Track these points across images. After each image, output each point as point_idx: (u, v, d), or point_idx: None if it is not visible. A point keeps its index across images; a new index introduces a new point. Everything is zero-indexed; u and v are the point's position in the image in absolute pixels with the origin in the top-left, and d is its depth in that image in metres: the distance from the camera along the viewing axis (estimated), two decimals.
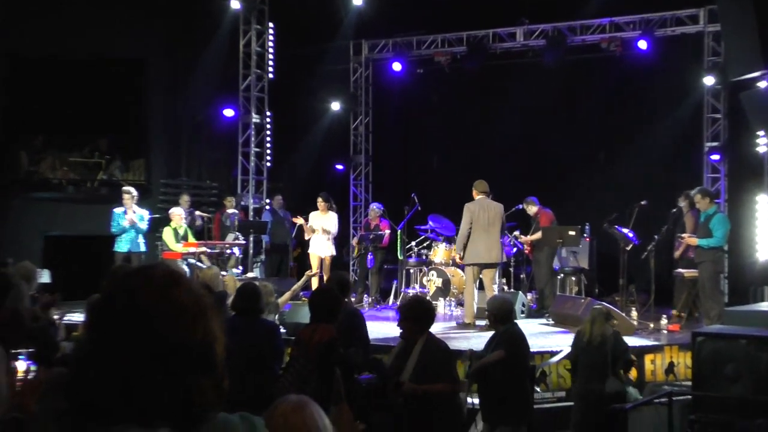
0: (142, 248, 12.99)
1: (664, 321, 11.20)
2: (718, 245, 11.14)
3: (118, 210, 12.83)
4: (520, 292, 12.72)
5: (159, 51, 16.71)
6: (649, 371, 9.37)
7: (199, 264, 12.61)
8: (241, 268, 14.04)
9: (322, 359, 5.25)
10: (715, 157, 14.88)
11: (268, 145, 16.47)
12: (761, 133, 12.96)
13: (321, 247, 13.32)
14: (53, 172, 16.13)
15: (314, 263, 13.06)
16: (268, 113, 16.36)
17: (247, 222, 15.15)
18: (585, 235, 14.00)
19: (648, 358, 9.42)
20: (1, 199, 15.45)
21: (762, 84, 10.39)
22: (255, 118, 16.08)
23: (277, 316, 9.30)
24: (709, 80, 14.64)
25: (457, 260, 13.19)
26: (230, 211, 14.97)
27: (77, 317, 9.34)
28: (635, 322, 11.02)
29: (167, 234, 13.16)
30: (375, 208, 14.73)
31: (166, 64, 16.87)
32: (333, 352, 5.35)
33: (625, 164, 15.31)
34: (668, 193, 13.26)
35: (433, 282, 13.47)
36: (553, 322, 11.70)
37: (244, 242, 14.50)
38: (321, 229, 13.32)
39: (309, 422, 2.64)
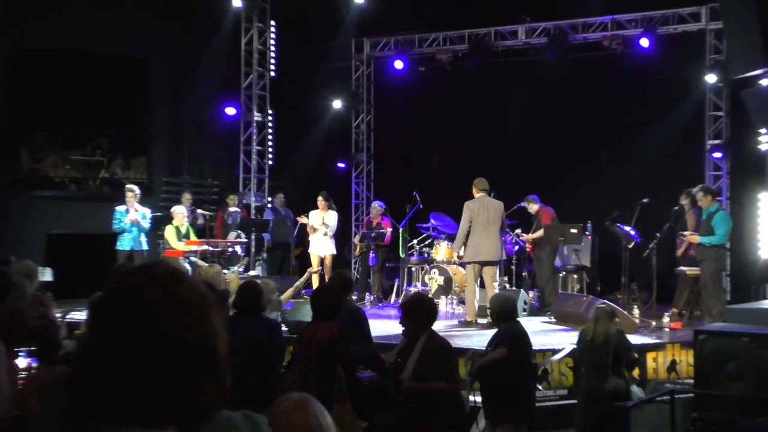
0: (145, 246, 12.99)
1: (666, 319, 11.19)
2: (719, 243, 11.14)
3: (120, 208, 12.83)
4: (521, 290, 12.71)
5: (161, 49, 16.71)
6: (651, 369, 9.37)
7: (200, 262, 12.62)
8: (242, 267, 14.05)
9: (324, 357, 5.25)
10: (717, 154, 14.87)
11: (270, 143, 16.49)
12: (763, 130, 12.94)
13: (321, 247, 13.32)
14: (55, 171, 16.14)
15: (315, 263, 13.05)
16: (269, 111, 16.38)
17: (249, 220, 15.16)
18: (587, 233, 14.00)
19: (650, 356, 9.42)
20: (3, 197, 15.45)
21: (764, 82, 10.38)
22: (257, 116, 16.10)
23: (279, 314, 9.32)
24: (711, 78, 14.62)
25: (455, 258, 13.23)
26: (232, 209, 14.98)
27: (79, 315, 9.34)
28: (637, 320, 11.01)
29: (169, 232, 13.16)
30: (377, 206, 14.73)
31: (168, 62, 16.87)
32: (335, 351, 5.35)
33: (626, 162, 15.31)
34: (670, 190, 13.26)
35: (434, 280, 13.48)
36: (554, 320, 11.69)
37: (245, 240, 14.51)
38: (321, 223, 13.30)
39: (311, 420, 2.64)
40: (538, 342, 8.79)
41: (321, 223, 13.31)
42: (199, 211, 14.84)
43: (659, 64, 15.06)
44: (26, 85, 15.69)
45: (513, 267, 14.12)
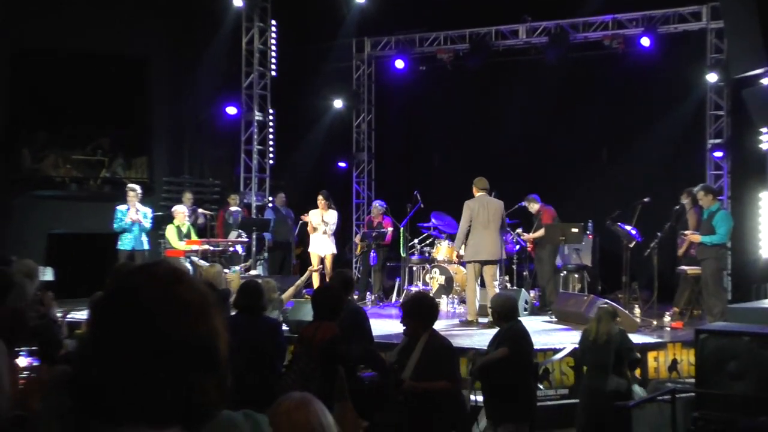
0: (146, 246, 12.99)
1: (667, 318, 11.20)
2: (720, 242, 11.13)
3: (121, 207, 12.83)
4: (522, 289, 12.71)
5: (162, 48, 16.72)
6: (652, 368, 9.37)
7: (201, 262, 12.62)
8: (243, 267, 14.06)
9: (325, 357, 5.25)
10: (718, 154, 14.86)
11: (271, 142, 16.51)
12: (764, 130, 12.94)
13: (321, 246, 13.31)
14: (56, 170, 16.14)
15: (315, 262, 13.05)
16: (270, 111, 16.40)
17: (250, 219, 15.16)
18: (588, 232, 14.00)
19: (651, 356, 9.41)
20: (4, 197, 15.45)
21: (765, 81, 10.37)
22: (257, 116, 16.11)
23: (280, 313, 9.32)
24: (711, 77, 14.61)
25: (454, 257, 13.22)
26: (233, 208, 14.98)
27: (80, 315, 9.35)
28: (638, 320, 11.01)
29: (170, 232, 13.17)
30: (377, 205, 14.73)
31: (168, 61, 16.87)
32: (336, 350, 5.35)
33: (627, 161, 15.31)
34: (671, 190, 13.26)
35: (435, 279, 13.48)
36: (555, 319, 11.69)
37: (246, 240, 14.51)
38: (321, 221, 13.30)
39: (312, 420, 2.64)
40: (539, 341, 8.78)
41: (320, 222, 13.31)
42: (200, 210, 14.84)
43: (660, 63, 15.06)
44: (26, 85, 15.69)
45: (514, 266, 14.12)
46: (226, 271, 10.98)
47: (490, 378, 6.72)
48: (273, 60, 16.40)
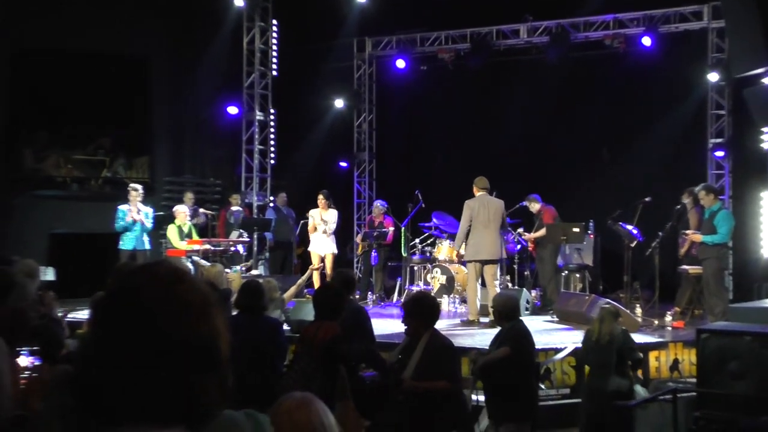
0: (147, 246, 12.99)
1: (668, 318, 11.20)
2: (722, 242, 11.11)
3: (123, 207, 12.83)
4: (524, 289, 12.71)
5: (163, 48, 16.72)
6: (653, 368, 9.36)
7: (202, 261, 12.62)
8: (245, 266, 14.06)
9: (327, 356, 5.25)
10: (719, 153, 14.86)
11: (272, 142, 16.50)
12: (765, 129, 12.92)
13: (321, 245, 13.29)
14: (57, 170, 16.14)
15: (315, 262, 13.04)
16: (271, 110, 16.39)
17: (251, 219, 15.16)
18: (589, 232, 14.00)
19: (652, 355, 9.41)
20: (5, 196, 15.46)
21: (766, 80, 10.35)
22: (259, 116, 16.11)
23: (282, 313, 9.32)
24: (713, 77, 14.61)
25: (454, 257, 13.22)
26: (235, 208, 14.99)
27: (82, 315, 9.35)
28: (639, 319, 11.00)
29: (171, 231, 13.16)
30: (379, 205, 14.73)
31: (169, 61, 16.88)
32: (337, 350, 5.35)
33: (628, 161, 15.31)
34: (672, 189, 13.24)
35: (437, 279, 13.48)
36: (557, 319, 11.69)
37: (248, 240, 14.51)
38: (320, 219, 13.29)
39: (314, 419, 2.64)
40: (540, 341, 8.78)
41: (320, 220, 13.30)
42: (201, 210, 14.84)
43: (661, 62, 15.06)
44: (26, 85, 15.70)
45: (515, 266, 14.13)
46: (227, 270, 10.98)
47: (492, 377, 6.72)
48: (274, 60, 16.40)
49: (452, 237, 13.61)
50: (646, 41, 14.69)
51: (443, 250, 13.75)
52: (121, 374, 1.36)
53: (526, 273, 14.31)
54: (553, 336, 10.14)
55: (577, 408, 7.87)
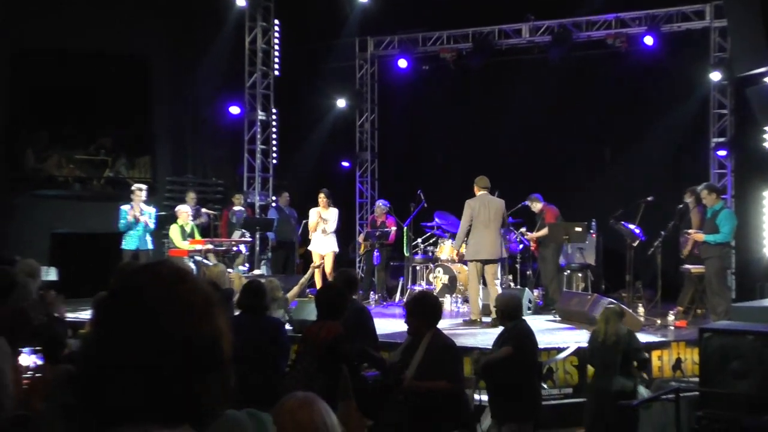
0: (150, 246, 12.99)
1: (671, 317, 11.18)
2: (724, 241, 11.10)
3: (126, 207, 12.83)
4: (526, 288, 12.72)
5: (164, 48, 16.73)
6: (656, 367, 9.35)
7: (205, 261, 12.62)
8: (247, 265, 14.06)
9: (329, 356, 5.25)
10: (722, 152, 14.85)
11: (274, 142, 16.50)
12: None
13: (321, 245, 13.27)
14: (59, 170, 16.16)
15: (316, 261, 13.04)
16: (273, 110, 16.38)
17: (253, 219, 15.16)
18: (591, 231, 13.97)
19: (655, 354, 9.40)
20: (7, 196, 15.48)
21: None
22: (261, 116, 16.10)
23: (284, 312, 9.32)
24: (715, 76, 14.60)
25: (454, 256, 13.21)
26: (237, 208, 14.99)
27: (84, 315, 9.36)
28: (642, 319, 10.98)
29: (174, 231, 13.17)
30: (381, 205, 14.73)
31: (171, 61, 16.89)
32: (339, 349, 5.35)
33: (631, 160, 15.30)
34: (674, 189, 13.23)
35: (439, 279, 13.46)
36: (559, 318, 11.68)
37: (250, 239, 14.51)
38: (319, 218, 13.27)
39: (316, 419, 2.64)
40: (543, 340, 8.77)
41: (319, 219, 13.28)
42: (203, 210, 14.84)
43: (663, 62, 15.05)
44: (27, 85, 15.71)
45: (517, 265, 14.11)
46: (229, 270, 10.99)
47: (495, 377, 6.72)
48: (276, 59, 16.40)
49: (454, 236, 13.62)
50: (648, 41, 14.68)
51: (445, 249, 13.74)
52: (123, 374, 1.36)
53: (528, 272, 14.29)
54: (556, 335, 10.13)
55: (579, 408, 7.87)
